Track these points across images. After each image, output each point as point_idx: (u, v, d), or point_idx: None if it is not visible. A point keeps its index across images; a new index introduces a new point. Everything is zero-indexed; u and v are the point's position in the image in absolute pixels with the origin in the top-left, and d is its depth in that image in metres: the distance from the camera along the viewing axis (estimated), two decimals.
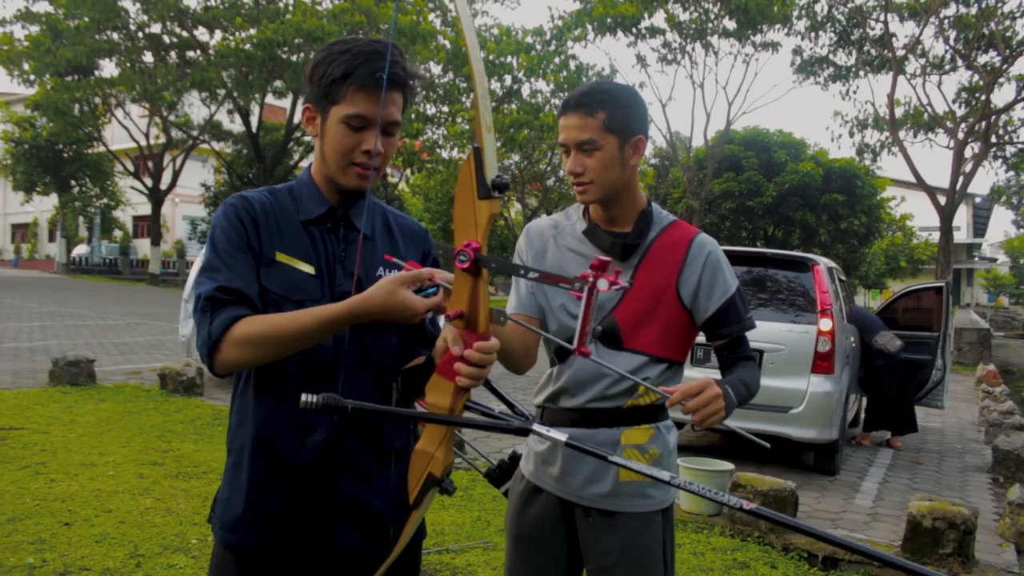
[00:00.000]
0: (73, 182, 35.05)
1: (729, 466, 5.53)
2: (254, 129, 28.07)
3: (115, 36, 26.47)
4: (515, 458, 2.11)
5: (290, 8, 24.68)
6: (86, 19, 24.87)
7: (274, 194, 1.66)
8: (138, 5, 25.25)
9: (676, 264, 1.96)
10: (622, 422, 1.96)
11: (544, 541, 2.03)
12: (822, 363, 6.62)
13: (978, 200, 43.87)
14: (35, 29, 26.20)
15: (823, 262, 7.27)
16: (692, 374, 6.85)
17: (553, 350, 2.04)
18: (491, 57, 22.52)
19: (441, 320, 1.74)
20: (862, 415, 8.56)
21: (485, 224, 1.37)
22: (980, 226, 50.32)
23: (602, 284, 1.28)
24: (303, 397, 1.29)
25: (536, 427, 1.39)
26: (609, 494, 1.95)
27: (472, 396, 1.51)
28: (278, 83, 25.80)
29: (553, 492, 2.01)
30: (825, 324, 6.65)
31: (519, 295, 2.05)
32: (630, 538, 1.94)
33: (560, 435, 1.35)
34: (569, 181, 1.97)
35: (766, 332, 6.81)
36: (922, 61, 22.18)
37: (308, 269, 1.57)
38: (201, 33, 26.86)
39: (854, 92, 31.02)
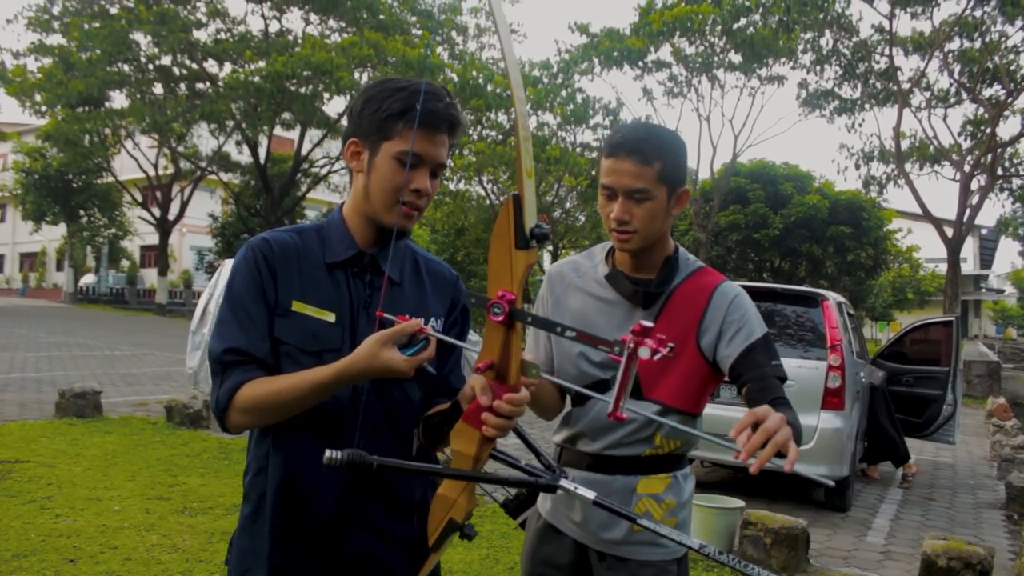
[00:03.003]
0: (82, 212, 35.24)
1: (739, 503, 5.47)
2: (262, 160, 28.25)
3: (126, 68, 26.78)
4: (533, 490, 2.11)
5: (299, 41, 24.97)
6: (98, 52, 25.16)
7: (301, 234, 1.62)
8: (149, 38, 25.56)
9: (698, 312, 1.89)
10: (639, 471, 1.92)
11: None
12: (832, 399, 6.58)
13: (985, 232, 43.80)
14: (48, 61, 26.53)
15: (832, 297, 7.24)
16: (708, 411, 6.83)
17: (572, 395, 1.99)
18: (498, 90, 22.67)
19: (466, 368, 1.71)
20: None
21: (522, 275, 1.33)
22: (987, 257, 50.22)
23: (644, 352, 1.22)
24: (327, 453, 1.26)
25: (564, 483, 1.37)
26: (623, 541, 1.91)
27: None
28: (286, 115, 26.01)
29: (569, 534, 1.98)
30: (835, 359, 6.61)
31: (539, 344, 2.04)
32: None
33: (588, 494, 1.33)
34: (608, 227, 1.90)
35: None
36: (927, 94, 22.27)
37: (328, 317, 1.55)
38: (211, 65, 27.17)
39: (860, 125, 31.11)
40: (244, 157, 30.22)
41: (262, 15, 26.90)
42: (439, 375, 1.63)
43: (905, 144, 22.92)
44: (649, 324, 1.24)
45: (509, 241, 1.33)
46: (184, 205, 32.42)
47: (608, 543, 1.93)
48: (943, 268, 23.60)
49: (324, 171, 30.50)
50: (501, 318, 1.31)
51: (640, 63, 22.70)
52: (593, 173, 22.39)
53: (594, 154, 23.84)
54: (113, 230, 37.66)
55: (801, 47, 22.44)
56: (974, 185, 21.63)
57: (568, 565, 1.99)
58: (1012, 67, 20.65)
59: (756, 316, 1.90)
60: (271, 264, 1.56)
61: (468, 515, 1.46)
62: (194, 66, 26.94)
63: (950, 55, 21.13)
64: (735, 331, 1.86)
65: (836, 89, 23.49)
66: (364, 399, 1.55)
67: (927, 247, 33.95)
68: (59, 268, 46.84)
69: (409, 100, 1.51)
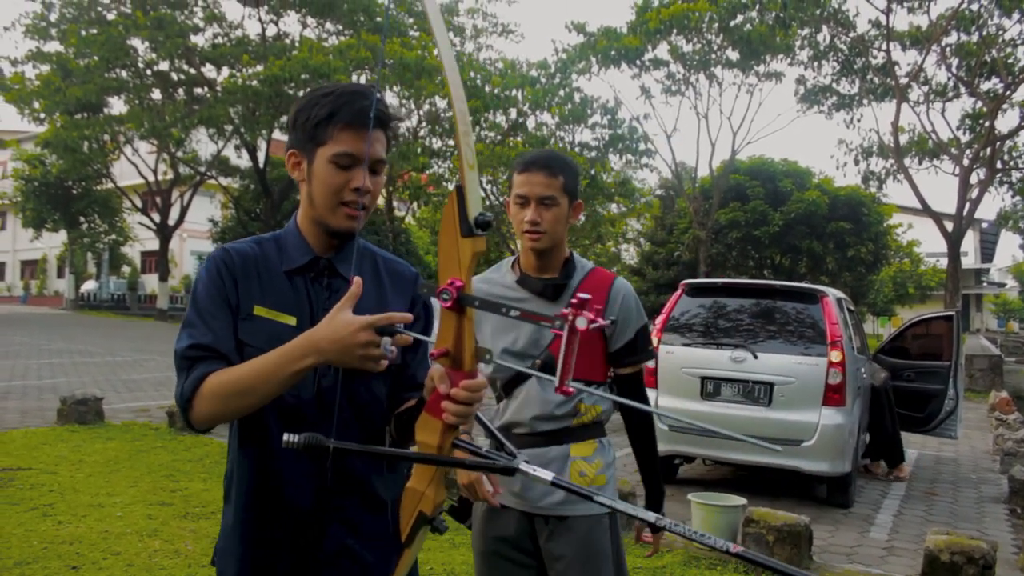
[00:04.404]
0: (82, 218, 35.24)
1: (742, 501, 5.47)
2: (261, 165, 28.25)
3: (124, 74, 26.77)
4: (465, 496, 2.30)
5: (296, 45, 24.95)
6: (96, 58, 25.17)
7: (261, 244, 1.66)
8: (147, 44, 25.56)
9: (600, 303, 2.22)
10: (570, 439, 2.28)
11: (510, 554, 2.30)
12: (833, 395, 6.58)
13: (985, 225, 43.76)
14: (46, 68, 26.52)
15: (832, 293, 7.24)
16: (702, 408, 6.85)
17: (499, 387, 2.35)
18: (496, 91, 22.64)
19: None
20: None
21: (468, 262, 1.36)
22: (988, 251, 50.15)
23: (581, 322, 1.26)
24: (285, 437, 1.29)
25: (522, 466, 1.38)
26: (563, 501, 2.23)
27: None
28: (285, 119, 25.95)
29: (514, 507, 2.29)
30: (835, 356, 6.61)
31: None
32: (583, 537, 2.24)
33: (546, 475, 1.35)
34: (519, 230, 2.27)
35: (776, 364, 6.78)
36: (925, 89, 22.26)
37: (289, 321, 1.57)
38: (209, 70, 27.16)
39: (858, 120, 31.18)
40: (243, 161, 30.23)
41: (259, 19, 26.88)
42: (406, 371, 1.66)
43: (904, 139, 22.92)
44: (586, 296, 1.29)
45: (455, 231, 1.37)
46: (184, 210, 32.42)
47: (551, 506, 2.25)
48: (944, 262, 23.59)
49: None
50: (449, 304, 1.34)
51: (638, 61, 22.69)
52: (592, 173, 22.37)
53: (593, 153, 23.82)
54: (113, 236, 37.64)
55: (798, 43, 22.43)
56: (973, 179, 21.63)
57: (516, 535, 2.30)
58: (1010, 60, 20.64)
59: (640, 308, 2.37)
60: (232, 271, 1.59)
61: (438, 508, 1.46)
62: (192, 71, 26.94)
63: (948, 49, 21.13)
64: (628, 320, 2.32)
65: (834, 85, 23.50)
66: (329, 397, 1.56)
67: (927, 242, 33.88)
68: (60, 275, 46.84)
69: (335, 103, 1.55)
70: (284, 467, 1.56)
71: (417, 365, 1.70)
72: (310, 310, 1.59)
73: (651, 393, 6.94)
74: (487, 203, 25.25)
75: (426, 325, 1.74)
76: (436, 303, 1.42)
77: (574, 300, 1.29)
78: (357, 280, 1.43)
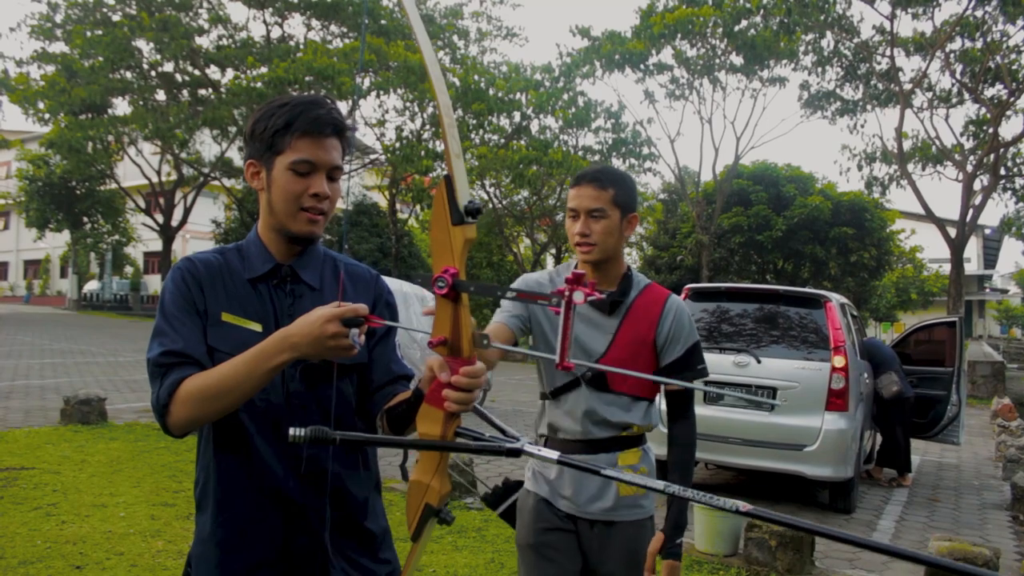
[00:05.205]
0: (85, 219, 35.28)
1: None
2: None
3: (128, 75, 26.83)
4: (508, 484, 2.41)
5: (301, 47, 24.98)
6: (101, 59, 25.21)
7: (224, 254, 1.69)
8: (152, 45, 25.60)
9: (655, 319, 2.34)
10: (618, 448, 2.33)
11: (560, 545, 2.35)
12: (836, 400, 6.58)
13: (988, 232, 43.70)
14: (51, 69, 26.57)
15: (835, 298, 7.24)
16: (705, 412, 6.85)
17: (547, 390, 2.38)
18: (500, 94, 22.66)
19: (406, 360, 1.77)
20: (876, 451, 8.48)
21: (461, 249, 1.38)
22: (991, 257, 50.12)
23: (578, 296, 1.27)
24: (291, 431, 1.29)
25: (527, 447, 1.39)
26: (611, 508, 2.32)
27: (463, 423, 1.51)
28: None
29: (563, 508, 2.36)
30: (839, 361, 6.61)
31: (506, 311, 2.33)
32: (630, 542, 2.33)
33: (551, 454, 1.36)
34: (573, 242, 2.33)
35: (779, 369, 6.78)
36: (929, 95, 22.26)
37: (255, 327, 1.59)
38: (213, 72, 27.21)
39: (862, 126, 31.13)
40: None
41: (264, 21, 26.94)
42: (380, 364, 1.70)
43: (907, 145, 22.92)
44: (581, 272, 1.31)
45: (446, 219, 1.38)
46: (187, 211, 32.48)
47: (598, 512, 2.33)
48: (947, 268, 23.55)
49: None
50: (445, 291, 1.35)
51: (642, 66, 22.71)
52: None
53: (596, 157, 23.83)
54: (116, 237, 37.67)
55: (802, 48, 22.44)
56: (977, 185, 21.61)
57: (563, 531, 2.36)
58: (1014, 67, 20.63)
59: (692, 325, 2.39)
60: (198, 279, 1.62)
61: (444, 499, 1.46)
62: (196, 72, 26.99)
63: (951, 55, 21.12)
64: (679, 335, 2.35)
65: (838, 90, 23.50)
66: (297, 400, 1.60)
67: (930, 247, 33.89)
68: (63, 275, 46.94)
69: (291, 113, 1.59)
70: (263, 469, 1.58)
71: (389, 358, 1.73)
72: (274, 316, 1.62)
73: None
74: (490, 206, 25.28)
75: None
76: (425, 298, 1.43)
77: (569, 276, 1.29)
78: (362, 305, 1.45)
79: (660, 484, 1.35)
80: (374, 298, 1.77)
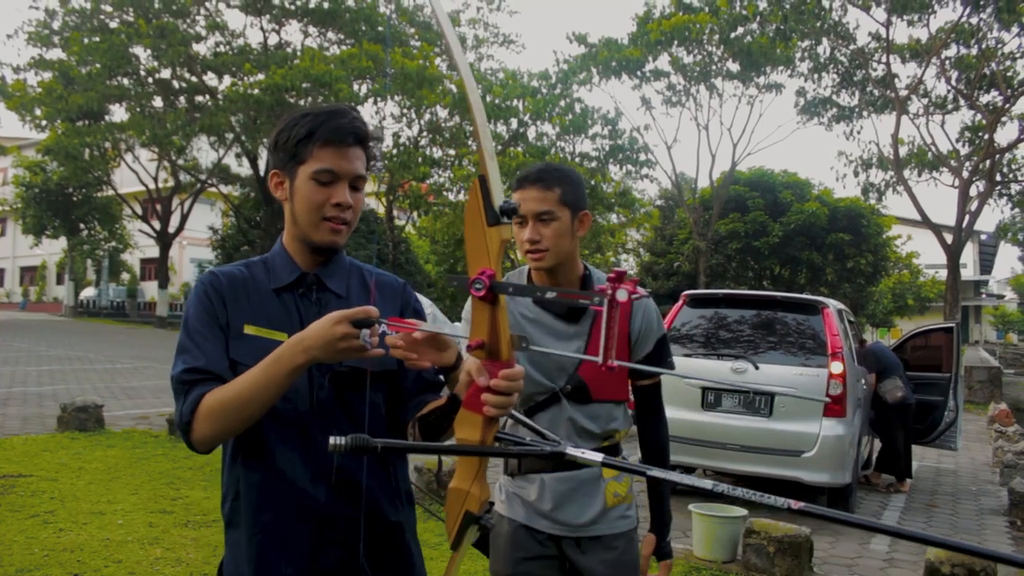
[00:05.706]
0: (82, 225, 35.20)
1: (742, 512, 5.47)
2: (262, 173, 28.22)
3: (126, 82, 26.80)
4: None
5: (298, 54, 25.00)
6: (98, 66, 25.19)
7: (249, 267, 1.69)
8: (149, 52, 25.61)
9: (624, 319, 2.19)
10: None
11: (540, 573, 2.21)
12: (834, 406, 6.59)
13: (984, 237, 43.84)
14: (48, 75, 26.55)
15: (833, 304, 7.26)
16: (703, 419, 6.85)
17: (521, 409, 2.21)
18: (497, 101, 22.69)
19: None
20: (875, 457, 8.49)
21: (497, 251, 1.35)
22: (987, 263, 50.20)
23: (621, 295, 1.26)
24: (332, 440, 1.26)
25: (570, 451, 1.37)
26: (595, 520, 2.20)
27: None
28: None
29: (544, 530, 2.21)
30: (836, 367, 6.63)
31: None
32: (619, 555, 2.21)
33: (595, 456, 1.33)
34: (522, 250, 2.15)
35: (776, 375, 6.79)
36: (925, 101, 22.35)
37: (280, 337, 1.57)
38: (210, 78, 27.20)
39: (858, 132, 31.22)
40: (244, 169, 30.23)
41: (261, 28, 26.95)
42: (412, 372, 1.67)
43: (903, 151, 22.99)
44: (622, 269, 1.29)
45: (481, 221, 1.36)
46: (184, 218, 32.44)
47: (582, 527, 2.19)
48: (943, 274, 23.63)
49: None
50: (483, 292, 1.33)
51: (638, 73, 22.79)
52: (593, 184, 22.40)
53: (593, 164, 23.87)
54: (113, 243, 37.60)
55: (799, 55, 22.53)
56: (973, 191, 21.68)
57: (544, 559, 2.21)
58: (1009, 73, 20.72)
59: (660, 319, 2.30)
60: (220, 292, 1.62)
61: (484, 505, 1.44)
62: (194, 79, 26.97)
63: (947, 62, 21.21)
64: (649, 331, 2.25)
65: (834, 97, 23.60)
66: (326, 409, 1.59)
67: (927, 253, 33.93)
68: (59, 282, 46.81)
69: (314, 122, 1.59)
70: (292, 480, 1.57)
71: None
72: (300, 325, 1.58)
73: None
74: None
75: None
76: (433, 310, 1.42)
77: (611, 275, 1.28)
78: (371, 308, 1.44)
79: (709, 484, 1.33)
80: (401, 306, 1.77)
